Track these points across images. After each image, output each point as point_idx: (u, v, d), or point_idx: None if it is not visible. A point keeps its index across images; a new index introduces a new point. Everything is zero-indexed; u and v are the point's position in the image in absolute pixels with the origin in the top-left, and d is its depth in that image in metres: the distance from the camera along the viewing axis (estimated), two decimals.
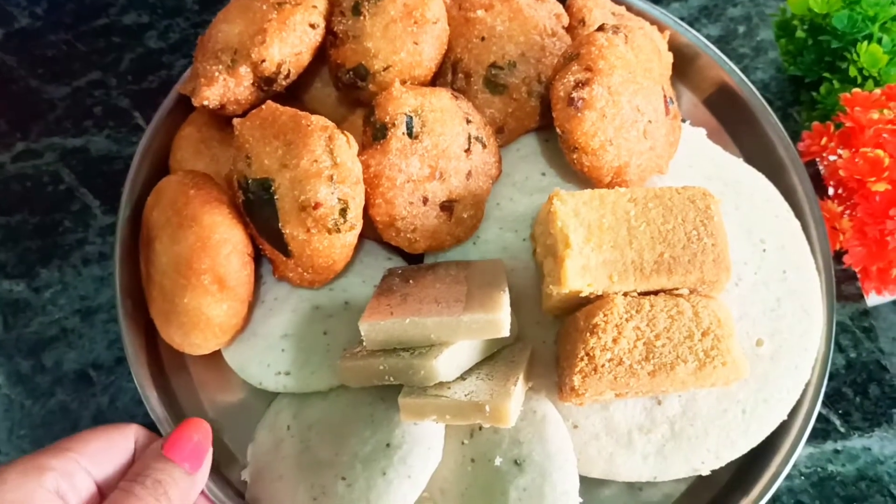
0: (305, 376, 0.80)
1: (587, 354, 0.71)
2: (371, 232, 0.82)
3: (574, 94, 0.78)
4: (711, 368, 0.71)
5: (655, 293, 0.75)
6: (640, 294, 0.74)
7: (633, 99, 0.80)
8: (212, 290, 0.76)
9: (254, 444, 0.82)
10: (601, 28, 0.81)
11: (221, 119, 0.88)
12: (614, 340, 0.71)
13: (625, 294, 0.74)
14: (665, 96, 0.85)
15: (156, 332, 0.83)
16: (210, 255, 0.76)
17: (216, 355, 0.83)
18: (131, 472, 0.70)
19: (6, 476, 0.65)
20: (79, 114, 1.02)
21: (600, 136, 0.78)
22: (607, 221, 0.75)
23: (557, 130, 0.80)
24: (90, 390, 0.91)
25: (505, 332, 0.70)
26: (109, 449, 0.72)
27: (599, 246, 0.74)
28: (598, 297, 0.74)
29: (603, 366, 0.71)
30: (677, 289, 0.75)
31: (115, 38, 1.07)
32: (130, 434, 0.74)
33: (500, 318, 0.70)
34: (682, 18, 1.08)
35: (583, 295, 0.74)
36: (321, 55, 0.86)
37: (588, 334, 0.72)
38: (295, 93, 0.91)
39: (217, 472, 0.82)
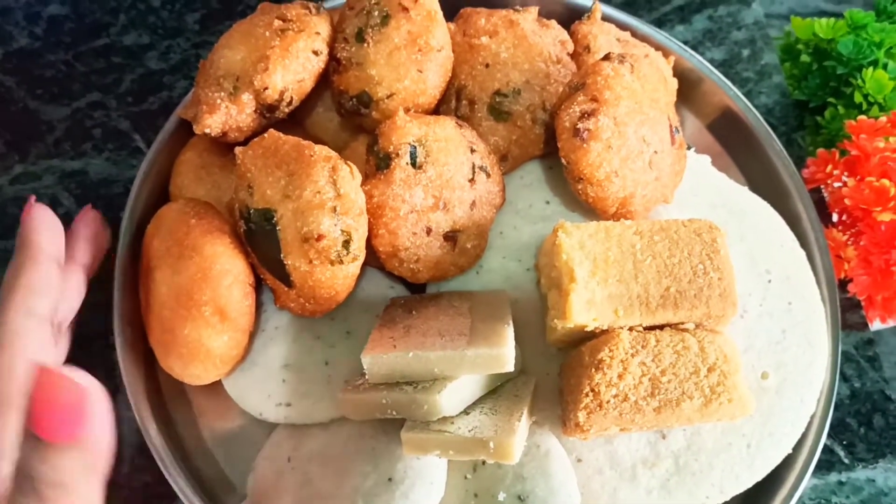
0: (306, 407, 0.79)
1: (592, 390, 0.70)
2: (373, 260, 0.81)
3: (580, 125, 0.77)
4: (717, 405, 0.71)
5: (661, 327, 0.74)
6: (645, 328, 0.74)
7: (639, 129, 0.79)
8: (212, 321, 0.75)
9: (253, 476, 0.81)
10: (607, 57, 0.81)
11: (222, 144, 0.87)
12: (620, 376, 0.70)
13: (630, 329, 0.73)
14: (671, 126, 0.84)
15: (154, 359, 0.82)
16: (211, 287, 0.75)
17: (216, 383, 0.82)
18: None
19: None
20: (78, 136, 1.01)
21: (606, 167, 0.78)
22: (613, 255, 0.74)
23: (563, 161, 0.79)
24: None
25: (510, 367, 0.69)
26: None
27: (605, 280, 0.73)
28: (604, 332, 0.74)
29: (608, 402, 0.70)
30: (683, 323, 0.74)
31: (116, 58, 1.06)
32: None
33: (504, 353, 0.69)
34: (685, 42, 1.07)
35: (588, 329, 0.73)
36: (323, 80, 0.85)
37: (593, 370, 0.71)
38: (296, 118, 0.91)
39: (215, 502, 0.81)
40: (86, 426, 0.65)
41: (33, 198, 0.77)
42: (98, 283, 0.93)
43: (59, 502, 0.63)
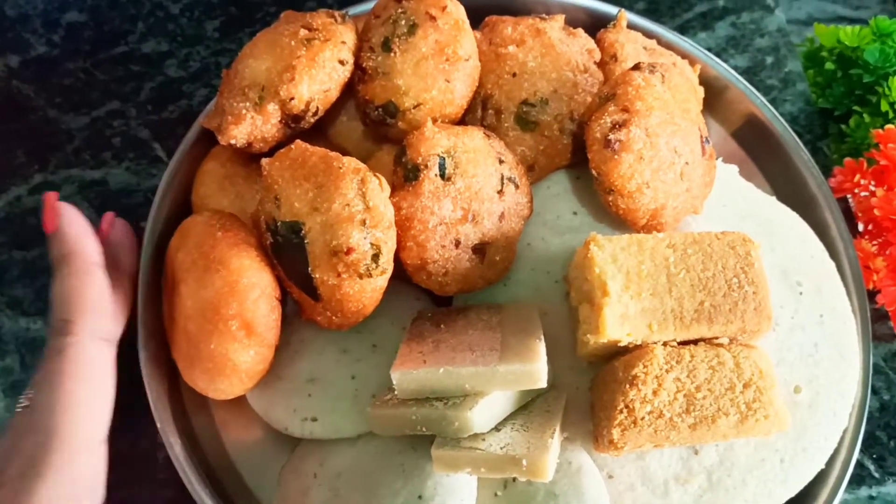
0: (333, 422, 0.78)
1: (626, 407, 0.69)
2: (398, 271, 0.80)
3: (611, 136, 0.76)
4: (754, 421, 0.70)
5: (695, 342, 0.73)
6: (679, 343, 0.73)
7: (670, 140, 0.78)
8: (239, 336, 0.74)
9: (279, 491, 0.80)
10: (637, 67, 0.80)
11: (245, 154, 0.86)
12: (654, 392, 0.69)
13: (664, 344, 0.72)
14: (701, 136, 0.83)
15: (177, 371, 0.81)
16: (238, 300, 0.74)
17: (240, 396, 0.81)
18: None
19: None
20: (98, 145, 1.00)
21: (637, 178, 0.77)
22: (646, 268, 0.73)
23: (593, 172, 0.78)
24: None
25: (542, 382, 0.68)
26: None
27: (638, 294, 0.72)
28: (637, 347, 0.73)
29: (643, 418, 0.69)
30: (717, 338, 0.73)
31: (135, 66, 1.05)
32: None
33: (537, 369, 0.68)
34: (708, 49, 1.06)
35: (621, 345, 0.72)
36: (347, 89, 0.84)
37: (627, 386, 0.70)
38: (320, 127, 0.90)
39: None
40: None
41: (54, 195, 0.77)
42: None
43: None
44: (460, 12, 0.82)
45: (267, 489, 0.82)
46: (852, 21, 1.13)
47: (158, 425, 0.80)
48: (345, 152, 0.87)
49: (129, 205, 0.98)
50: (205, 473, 0.80)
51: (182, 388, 0.84)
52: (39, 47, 1.06)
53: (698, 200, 0.84)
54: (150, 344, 0.82)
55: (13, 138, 1.01)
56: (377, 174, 0.74)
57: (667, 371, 0.70)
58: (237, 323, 0.74)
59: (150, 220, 0.86)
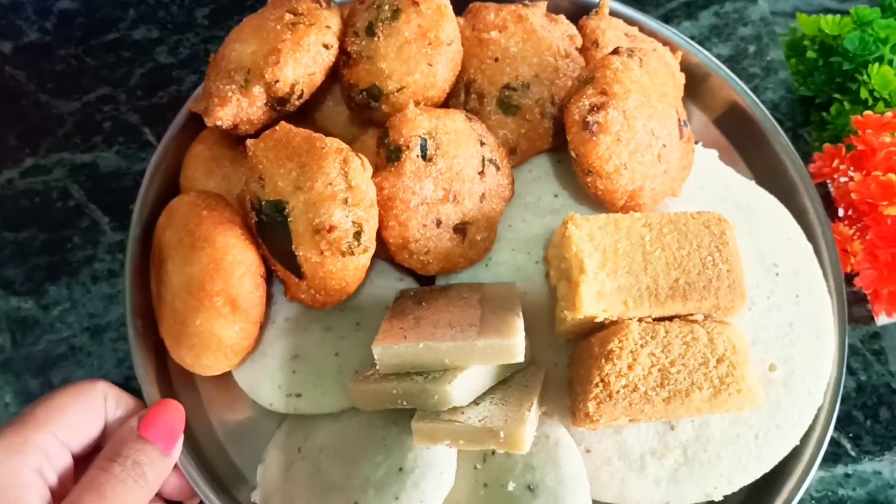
0: (317, 398, 0.80)
1: (602, 380, 0.71)
2: (383, 252, 0.81)
3: (589, 118, 0.78)
4: (727, 395, 0.71)
5: (670, 319, 0.75)
6: (654, 320, 0.74)
7: (647, 123, 0.80)
8: (224, 311, 0.76)
9: (264, 466, 0.82)
10: (616, 51, 0.81)
11: (232, 137, 0.88)
12: (629, 367, 0.71)
13: (640, 320, 0.74)
14: (679, 120, 0.85)
15: (165, 350, 0.83)
16: (223, 277, 0.75)
17: (225, 374, 0.82)
18: (108, 450, 0.71)
19: None
20: (88, 129, 1.02)
21: (615, 159, 0.78)
22: (622, 247, 0.75)
23: (572, 154, 0.80)
24: None
25: (520, 357, 0.70)
26: (85, 419, 0.74)
27: (615, 271, 0.74)
28: (613, 323, 0.74)
29: (618, 392, 0.71)
30: (692, 315, 0.75)
31: (125, 52, 1.06)
32: (101, 396, 0.76)
33: (515, 343, 0.69)
34: (692, 38, 1.07)
35: (598, 320, 0.74)
36: (333, 73, 0.86)
37: (603, 360, 0.71)
38: (305, 111, 0.91)
39: (226, 492, 0.82)
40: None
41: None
42: (110, 276, 0.94)
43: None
44: None
45: (253, 465, 0.83)
46: (838, 13, 1.14)
47: (146, 401, 0.81)
48: (330, 136, 0.89)
49: (118, 188, 0.99)
50: (192, 450, 0.82)
51: (170, 366, 0.86)
52: (32, 34, 1.07)
53: (676, 183, 0.85)
54: (137, 323, 0.84)
55: (5, 123, 1.02)
56: (359, 154, 0.75)
57: (642, 346, 0.72)
58: (222, 299, 0.75)
59: (138, 201, 0.87)
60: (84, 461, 0.74)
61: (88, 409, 0.74)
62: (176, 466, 0.78)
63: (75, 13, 1.08)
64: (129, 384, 0.90)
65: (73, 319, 0.93)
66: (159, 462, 0.72)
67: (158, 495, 0.78)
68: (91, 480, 0.68)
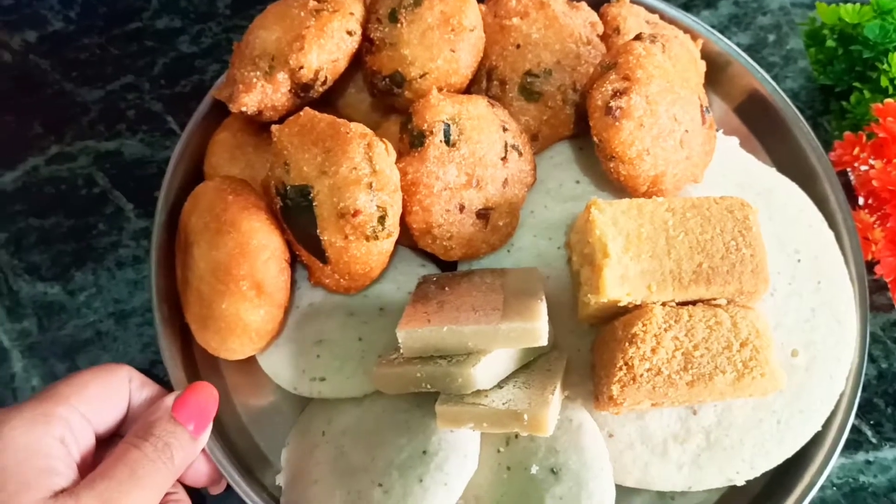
0: (340, 382, 0.80)
1: (626, 364, 0.71)
2: (405, 238, 0.82)
3: (612, 104, 0.78)
4: (750, 379, 0.71)
5: (693, 303, 0.75)
6: (678, 304, 0.74)
7: (670, 108, 0.80)
8: (249, 295, 0.76)
9: (287, 449, 0.83)
10: (639, 37, 0.81)
11: (256, 124, 0.89)
12: (653, 350, 0.71)
13: (663, 304, 0.74)
14: (701, 105, 0.85)
15: (189, 335, 0.84)
16: (248, 261, 0.76)
17: (249, 359, 0.83)
18: (140, 428, 0.71)
19: (15, 422, 0.66)
20: (112, 117, 1.03)
21: (638, 145, 0.78)
22: (645, 231, 0.75)
23: (594, 139, 0.80)
24: None
25: (543, 340, 0.70)
26: (108, 398, 0.74)
27: (638, 255, 0.74)
28: (636, 307, 0.75)
29: (641, 375, 0.71)
30: (715, 299, 0.75)
31: (148, 42, 1.07)
32: (125, 378, 0.76)
33: (538, 327, 0.70)
34: (711, 26, 1.07)
35: (621, 304, 0.74)
36: (355, 61, 0.86)
37: (627, 344, 0.72)
38: (328, 98, 0.92)
39: (251, 476, 0.83)
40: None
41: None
42: (135, 261, 0.95)
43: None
44: None
45: (276, 448, 0.84)
46: (858, 2, 1.14)
47: (173, 384, 0.82)
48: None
49: (142, 175, 1.00)
50: (218, 433, 0.82)
51: (195, 351, 0.87)
52: (56, 23, 1.08)
53: (698, 169, 0.86)
54: (162, 307, 0.85)
55: (30, 111, 1.03)
56: (384, 139, 0.76)
57: (665, 330, 0.72)
58: (248, 283, 0.76)
59: (163, 188, 0.88)
60: (104, 445, 0.75)
61: (111, 388, 0.75)
62: (203, 451, 0.78)
63: (99, 2, 1.10)
64: (153, 370, 0.91)
65: (98, 304, 0.94)
66: (188, 446, 0.73)
67: (178, 481, 0.79)
68: (123, 454, 0.68)
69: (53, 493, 0.64)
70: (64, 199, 0.99)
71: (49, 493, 0.64)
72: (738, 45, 1.09)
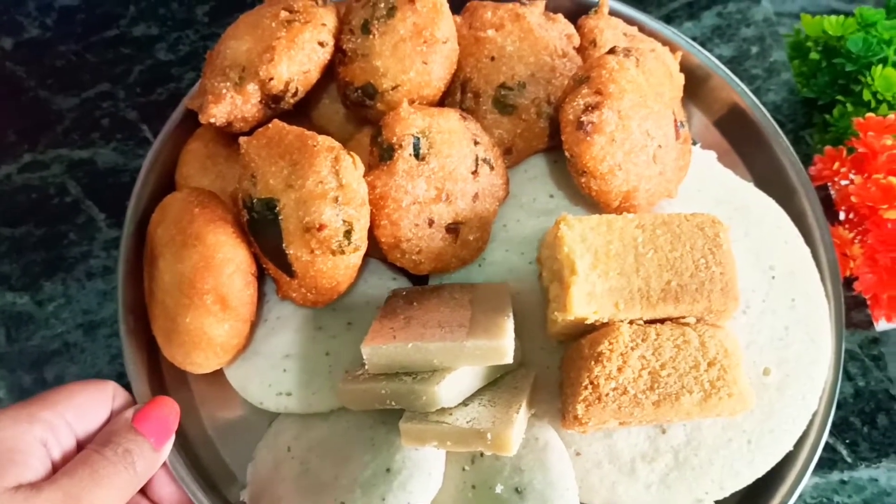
0: (307, 397, 0.80)
1: (591, 383, 0.70)
2: (376, 251, 0.81)
3: (583, 118, 0.77)
4: (717, 399, 0.70)
5: (662, 321, 0.74)
6: (646, 322, 0.74)
7: (642, 123, 0.79)
8: (214, 310, 0.76)
9: (253, 465, 0.82)
10: (612, 51, 0.80)
11: (228, 135, 0.88)
12: (619, 369, 0.70)
13: (631, 322, 0.73)
14: (675, 120, 0.84)
15: (157, 346, 0.83)
16: (213, 275, 0.75)
17: (217, 371, 0.82)
18: (101, 436, 0.72)
19: (1, 421, 0.68)
20: (87, 125, 1.02)
21: (609, 160, 0.77)
22: (614, 248, 0.74)
23: (566, 154, 0.79)
24: None
25: (508, 358, 0.69)
26: (92, 407, 0.74)
27: (606, 273, 0.73)
28: (604, 325, 0.74)
29: (607, 395, 0.70)
30: (684, 317, 0.74)
31: (125, 49, 1.07)
32: (110, 392, 0.76)
33: (503, 345, 0.69)
34: (694, 38, 1.07)
35: (588, 322, 0.73)
36: (330, 71, 0.86)
37: (593, 362, 0.71)
38: (302, 109, 0.91)
39: (215, 491, 0.82)
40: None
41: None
42: (105, 272, 0.94)
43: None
44: None
45: (243, 463, 0.83)
46: (844, 14, 1.13)
47: (136, 398, 0.81)
48: (327, 134, 0.88)
49: (115, 184, 0.99)
50: (182, 447, 0.81)
51: (162, 363, 0.86)
52: (33, 30, 1.08)
53: (672, 184, 0.85)
54: (129, 319, 0.84)
55: (4, 118, 1.03)
56: (351, 153, 0.75)
57: (632, 348, 0.71)
58: (212, 297, 0.75)
59: (132, 198, 0.87)
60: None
61: (96, 399, 0.75)
62: (170, 473, 0.78)
63: (76, 9, 1.09)
64: (122, 381, 0.89)
65: (67, 315, 0.94)
66: (149, 456, 0.73)
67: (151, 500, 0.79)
68: (84, 458, 0.69)
69: (18, 484, 0.65)
70: (35, 207, 0.98)
71: (14, 483, 0.65)
72: (721, 56, 1.09)
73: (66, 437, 0.72)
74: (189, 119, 0.91)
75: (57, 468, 0.70)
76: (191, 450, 0.83)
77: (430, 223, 0.79)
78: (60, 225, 0.97)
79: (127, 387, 0.81)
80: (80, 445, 0.74)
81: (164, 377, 0.87)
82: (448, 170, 0.79)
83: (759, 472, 0.79)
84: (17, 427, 0.68)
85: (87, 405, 0.74)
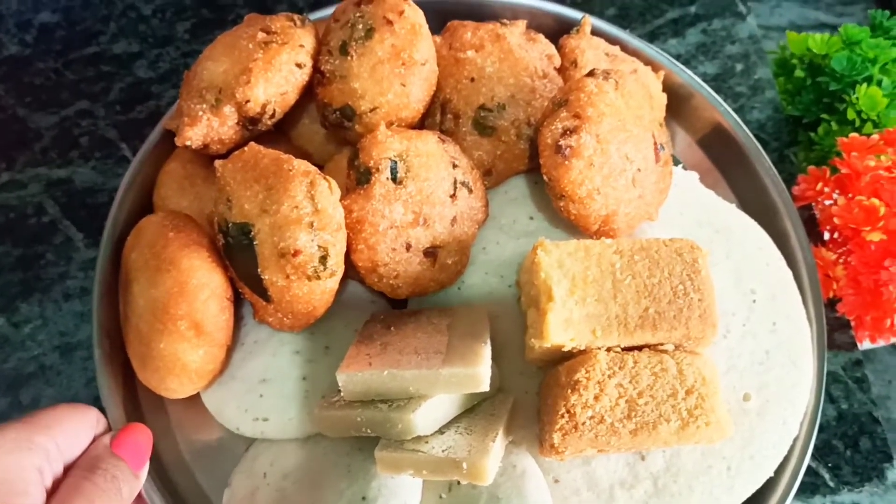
0: (283, 423, 0.79)
1: (568, 411, 0.70)
2: (355, 274, 0.80)
3: (562, 142, 0.76)
4: (695, 428, 0.70)
5: (639, 348, 0.73)
6: (623, 349, 0.73)
7: (621, 147, 0.78)
8: (188, 335, 0.75)
9: (230, 491, 0.81)
10: (591, 73, 0.80)
11: (207, 156, 0.87)
12: (596, 398, 0.70)
13: (608, 349, 0.72)
14: (655, 143, 0.84)
15: (133, 370, 0.82)
16: (187, 301, 0.74)
17: (194, 395, 0.81)
18: (85, 461, 0.71)
19: (4, 445, 0.67)
20: (65, 144, 1.01)
21: (587, 184, 0.77)
22: (592, 274, 0.73)
23: (545, 178, 0.79)
24: None
25: (485, 386, 0.68)
26: (79, 433, 0.73)
27: (583, 299, 0.73)
28: (581, 352, 0.73)
29: (584, 423, 0.69)
30: (662, 344, 0.73)
31: (105, 66, 1.06)
32: (94, 419, 0.75)
33: (479, 372, 0.68)
34: (678, 56, 1.07)
35: (565, 349, 0.72)
36: (310, 91, 0.85)
37: (569, 390, 0.70)
38: (282, 129, 0.90)
39: None
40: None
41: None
42: (83, 293, 0.93)
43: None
44: (418, 17, 0.82)
45: (219, 488, 0.82)
46: (834, 28, 1.13)
47: (111, 422, 0.80)
48: (307, 155, 0.88)
49: (93, 204, 0.99)
50: (156, 472, 0.81)
51: (138, 388, 0.85)
52: (12, 47, 1.07)
53: (652, 207, 0.84)
54: (104, 343, 0.83)
55: None
56: (327, 177, 0.74)
57: (609, 376, 0.70)
58: (186, 323, 0.74)
59: (109, 219, 0.87)
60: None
61: (84, 425, 0.75)
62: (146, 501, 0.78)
63: (56, 26, 1.08)
64: (98, 403, 0.89)
65: (43, 337, 0.93)
66: (131, 480, 0.72)
67: None
68: (76, 486, 0.68)
69: None
70: (12, 227, 0.97)
71: None
72: (705, 74, 1.08)
73: (57, 463, 0.71)
74: (168, 139, 0.90)
75: (49, 495, 0.69)
76: (166, 475, 0.82)
77: (408, 247, 0.78)
78: (37, 245, 0.97)
79: (104, 410, 0.81)
80: (65, 470, 0.73)
81: (139, 400, 0.86)
82: (426, 193, 0.78)
83: (740, 498, 0.79)
84: (20, 455, 0.67)
85: (75, 430, 0.73)
